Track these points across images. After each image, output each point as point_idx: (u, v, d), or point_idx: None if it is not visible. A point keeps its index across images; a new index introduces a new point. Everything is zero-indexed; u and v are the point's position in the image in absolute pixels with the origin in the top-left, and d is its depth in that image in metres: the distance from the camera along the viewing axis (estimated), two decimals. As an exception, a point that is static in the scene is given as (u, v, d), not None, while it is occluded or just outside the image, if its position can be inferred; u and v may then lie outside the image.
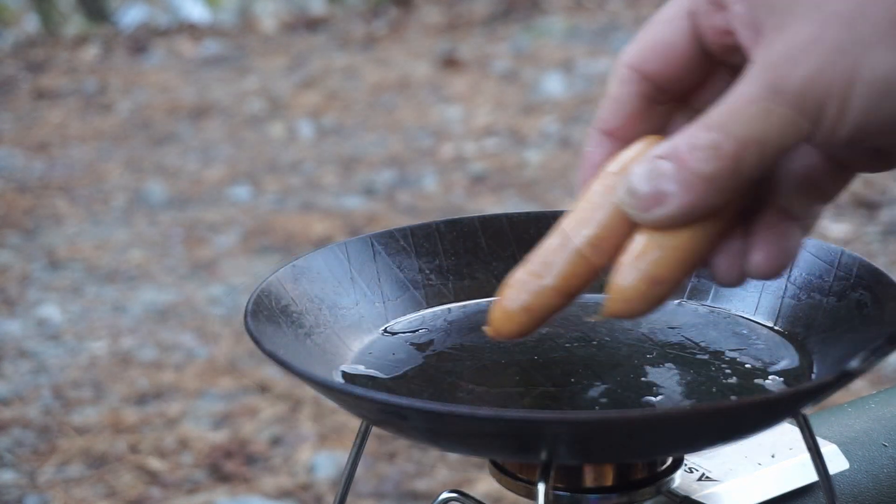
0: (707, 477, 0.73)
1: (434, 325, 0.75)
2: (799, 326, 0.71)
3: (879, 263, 2.84)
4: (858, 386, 2.41)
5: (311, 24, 5.65)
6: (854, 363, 0.59)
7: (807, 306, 0.71)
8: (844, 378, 0.59)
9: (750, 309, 0.74)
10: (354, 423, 2.59)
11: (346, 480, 0.74)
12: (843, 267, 0.71)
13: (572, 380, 0.67)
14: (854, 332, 0.67)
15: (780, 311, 0.73)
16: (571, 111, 4.21)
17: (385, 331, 0.74)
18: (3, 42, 5.64)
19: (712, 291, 0.76)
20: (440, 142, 4.01)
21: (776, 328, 0.72)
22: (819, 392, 0.60)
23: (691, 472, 0.74)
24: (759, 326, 0.72)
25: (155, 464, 2.30)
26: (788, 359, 0.69)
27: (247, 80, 4.83)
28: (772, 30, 0.52)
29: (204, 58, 5.19)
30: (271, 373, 2.60)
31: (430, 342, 0.72)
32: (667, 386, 0.65)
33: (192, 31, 5.65)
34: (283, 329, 0.68)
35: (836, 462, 0.76)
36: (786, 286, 0.73)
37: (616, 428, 0.55)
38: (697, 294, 0.76)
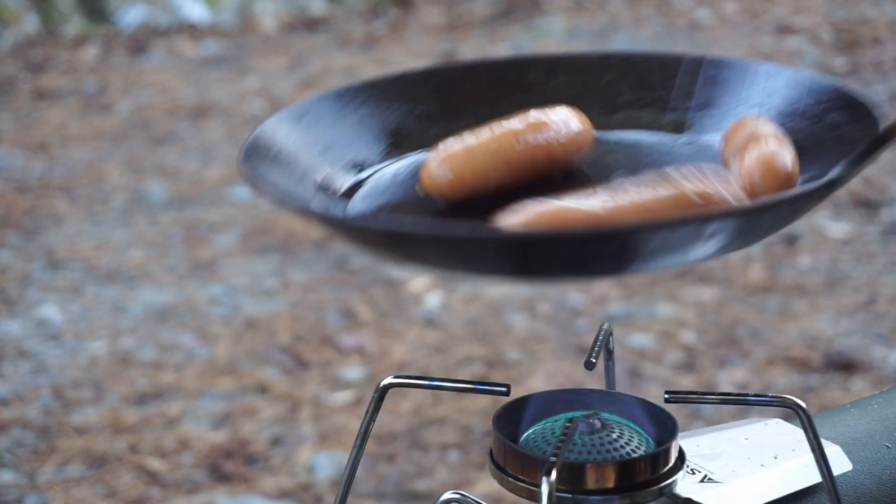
0: (710, 478, 0.73)
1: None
2: None
3: (879, 264, 2.83)
4: (860, 387, 2.41)
5: (311, 24, 5.64)
6: (837, 170, 0.61)
7: (785, 132, 0.72)
8: (831, 186, 0.60)
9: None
10: (354, 423, 2.61)
11: (347, 481, 0.74)
12: (815, 93, 0.73)
13: None
14: (832, 150, 0.68)
15: None
16: (572, 111, 4.21)
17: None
18: (3, 42, 5.63)
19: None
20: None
21: None
22: (808, 197, 0.60)
23: (694, 473, 0.74)
24: None
25: (155, 464, 2.30)
26: None
27: (247, 80, 4.82)
28: None
29: (204, 58, 5.19)
30: (271, 373, 2.60)
31: None
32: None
33: (192, 31, 5.65)
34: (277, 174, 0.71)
35: (840, 463, 0.76)
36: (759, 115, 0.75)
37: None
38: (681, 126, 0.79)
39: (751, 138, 0.70)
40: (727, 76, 0.81)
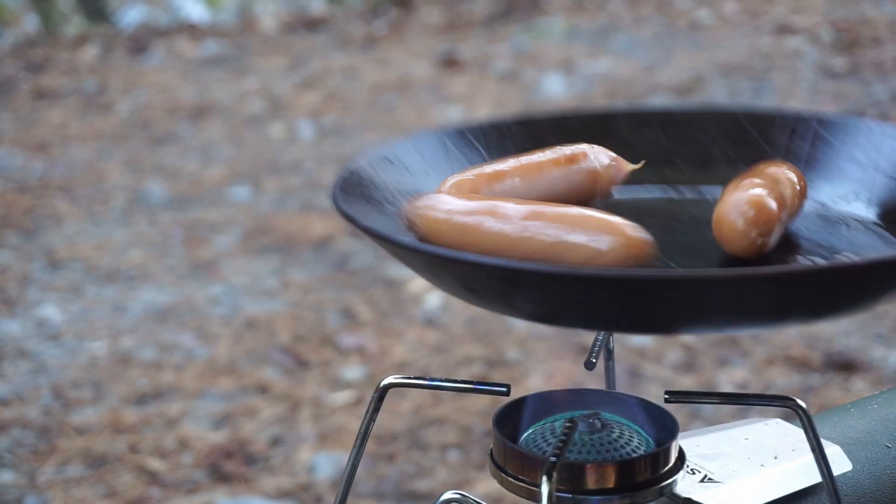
0: (710, 479, 0.73)
1: None
2: None
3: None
4: (860, 387, 2.41)
5: (311, 24, 5.64)
6: None
7: None
8: None
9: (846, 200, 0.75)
10: (354, 423, 2.60)
11: (347, 481, 0.74)
12: None
13: None
14: None
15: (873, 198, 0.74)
16: (572, 111, 4.21)
17: None
18: (3, 42, 5.63)
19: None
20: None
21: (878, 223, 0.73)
22: None
23: (694, 473, 0.74)
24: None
25: (155, 464, 2.29)
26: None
27: (247, 80, 4.82)
28: None
29: (204, 58, 5.18)
30: (271, 373, 2.60)
31: None
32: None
33: (192, 31, 5.64)
34: (370, 209, 0.71)
35: (840, 463, 0.76)
36: (875, 177, 0.73)
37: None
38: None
39: (742, 179, 0.71)
40: (834, 133, 0.79)
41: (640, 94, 4.34)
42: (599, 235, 0.64)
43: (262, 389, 2.53)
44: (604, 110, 0.87)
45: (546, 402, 0.74)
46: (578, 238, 0.64)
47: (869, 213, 0.74)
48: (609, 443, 0.69)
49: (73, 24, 6.14)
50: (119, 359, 2.69)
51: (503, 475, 0.69)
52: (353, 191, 0.71)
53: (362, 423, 0.75)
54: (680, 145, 0.82)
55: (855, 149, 0.78)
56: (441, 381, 0.76)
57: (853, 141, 0.78)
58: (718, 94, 4.29)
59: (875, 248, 0.70)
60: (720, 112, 0.84)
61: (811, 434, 0.66)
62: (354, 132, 4.16)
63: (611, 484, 0.66)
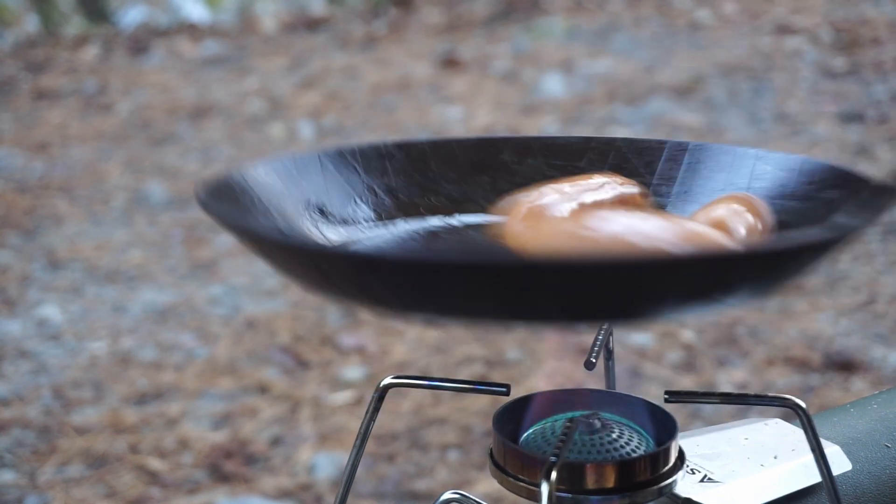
0: (709, 478, 0.73)
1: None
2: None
3: (879, 263, 2.82)
4: (860, 387, 2.41)
5: (311, 24, 5.64)
6: (845, 218, 0.60)
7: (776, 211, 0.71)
8: (840, 235, 0.57)
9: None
10: (355, 423, 2.60)
11: (347, 481, 0.74)
12: (807, 173, 0.72)
13: None
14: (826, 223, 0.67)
15: None
16: (571, 111, 4.21)
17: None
18: (3, 42, 5.63)
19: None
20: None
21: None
22: (810, 249, 0.57)
23: (694, 473, 0.74)
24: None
25: (155, 464, 2.30)
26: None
27: (247, 80, 4.82)
28: None
29: (204, 58, 5.18)
30: (271, 373, 2.60)
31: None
32: None
33: (192, 31, 5.64)
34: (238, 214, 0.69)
35: (839, 463, 0.76)
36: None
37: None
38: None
39: (709, 206, 0.70)
40: (711, 161, 0.80)
41: (640, 94, 4.33)
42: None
43: (262, 389, 2.54)
44: (487, 138, 0.86)
45: (546, 402, 0.75)
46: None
47: None
48: (609, 443, 0.69)
49: (73, 25, 6.14)
50: (119, 359, 2.69)
51: (503, 475, 0.69)
52: (222, 196, 0.69)
53: (362, 423, 0.75)
54: (563, 173, 0.82)
55: (736, 175, 0.78)
56: (441, 381, 0.76)
57: (734, 167, 0.79)
58: (718, 94, 4.29)
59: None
60: (603, 141, 0.84)
61: (811, 434, 0.66)
62: (354, 132, 4.16)
63: (610, 484, 0.66)
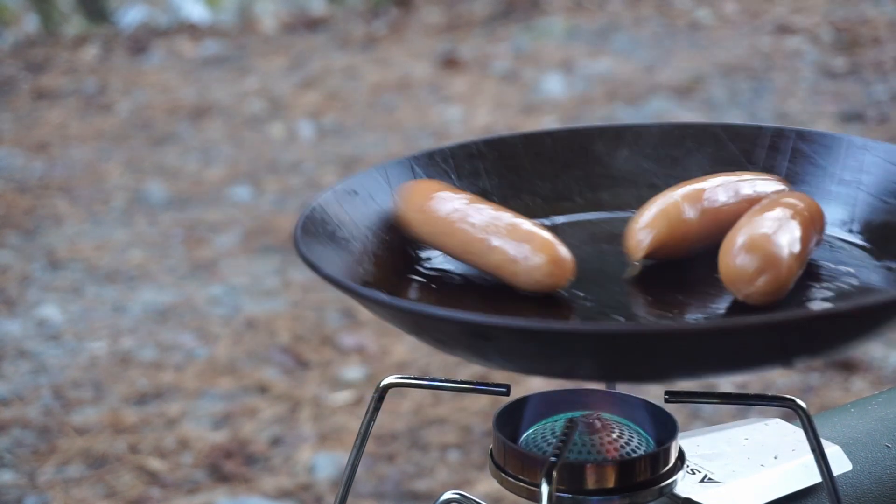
0: (710, 479, 0.73)
1: None
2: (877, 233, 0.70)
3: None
4: (860, 387, 2.41)
5: (311, 24, 5.64)
6: None
7: (882, 211, 0.70)
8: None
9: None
10: (354, 423, 2.61)
11: (347, 481, 0.74)
12: None
13: None
14: None
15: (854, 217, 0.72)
16: (571, 111, 4.21)
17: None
18: (3, 42, 5.63)
19: None
20: (440, 142, 4.01)
21: (855, 240, 0.72)
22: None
23: (694, 473, 0.74)
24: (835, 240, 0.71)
25: (155, 464, 2.29)
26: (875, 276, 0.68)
27: (247, 80, 4.82)
28: None
29: (204, 58, 5.18)
30: (271, 373, 2.60)
31: None
32: None
33: (192, 31, 5.64)
34: (333, 253, 0.68)
35: (840, 463, 0.76)
36: (857, 195, 0.72)
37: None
38: None
39: (760, 209, 0.69)
40: (818, 150, 0.78)
41: (640, 94, 4.33)
42: (528, 251, 0.66)
43: (262, 389, 2.53)
44: (581, 128, 0.84)
45: (546, 402, 0.74)
46: (509, 250, 0.66)
47: (852, 235, 0.74)
48: (609, 443, 0.69)
49: (73, 24, 6.14)
50: (119, 359, 2.69)
51: (503, 475, 0.69)
52: (316, 230, 0.69)
53: (362, 423, 0.75)
54: (657, 164, 0.80)
55: (842, 166, 0.76)
56: (441, 381, 0.76)
57: (840, 157, 0.76)
58: (718, 94, 4.28)
59: (864, 276, 0.69)
60: (702, 127, 0.82)
61: (811, 434, 0.66)
62: (354, 132, 4.16)
63: (610, 484, 0.66)
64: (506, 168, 0.79)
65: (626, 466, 0.66)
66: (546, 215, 0.79)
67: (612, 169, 0.79)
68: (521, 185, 0.79)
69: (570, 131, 0.82)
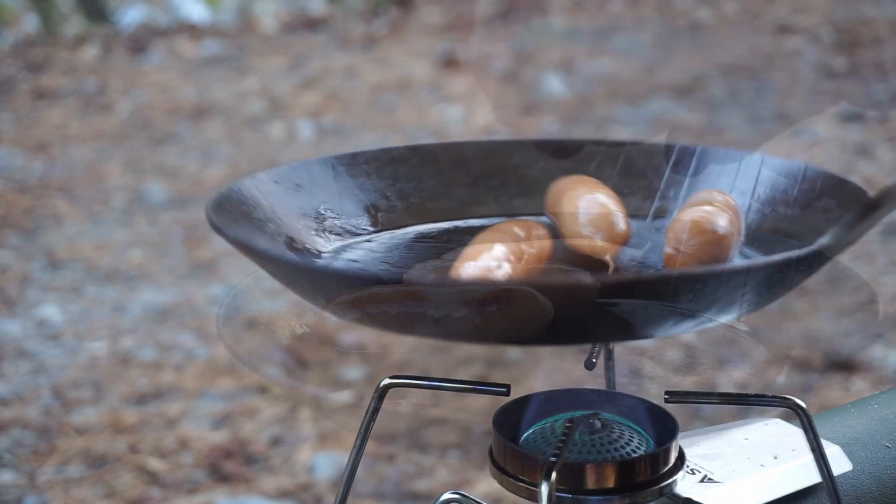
0: (709, 479, 0.73)
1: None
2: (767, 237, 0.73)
3: (879, 263, 2.82)
4: (860, 387, 2.41)
5: (311, 24, 5.64)
6: (826, 238, 0.61)
7: (772, 219, 0.72)
8: (820, 254, 0.59)
9: None
10: (355, 423, 2.58)
11: (347, 481, 0.74)
12: (808, 180, 0.73)
13: None
14: (822, 234, 0.68)
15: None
16: (571, 111, 4.21)
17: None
18: (3, 42, 5.63)
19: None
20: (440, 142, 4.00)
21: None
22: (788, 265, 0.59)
23: (694, 473, 0.74)
24: None
25: (155, 464, 2.29)
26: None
27: (247, 80, 4.82)
28: None
29: (204, 58, 5.18)
30: (270, 374, 2.60)
31: None
32: None
33: (192, 31, 5.64)
34: (246, 227, 0.70)
35: (840, 463, 0.76)
36: (749, 204, 0.75)
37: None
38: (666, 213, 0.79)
39: (689, 204, 0.71)
40: (716, 165, 0.80)
41: (641, 93, 4.33)
42: None
43: (262, 389, 2.54)
44: (498, 141, 0.87)
45: (546, 402, 0.75)
46: None
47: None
48: (609, 443, 0.69)
49: (73, 24, 6.14)
50: (119, 359, 2.69)
51: (503, 475, 0.69)
52: (231, 208, 0.71)
53: (362, 423, 0.75)
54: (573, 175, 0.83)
55: (740, 180, 0.79)
56: (441, 381, 0.76)
57: (738, 172, 0.80)
58: (718, 94, 4.29)
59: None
60: (612, 143, 0.84)
61: (811, 434, 0.66)
62: (354, 132, 4.16)
63: (610, 484, 0.66)
64: (425, 173, 0.81)
65: (626, 466, 0.66)
66: (462, 218, 0.82)
67: (527, 179, 0.82)
68: (438, 190, 0.82)
69: (490, 142, 0.86)
